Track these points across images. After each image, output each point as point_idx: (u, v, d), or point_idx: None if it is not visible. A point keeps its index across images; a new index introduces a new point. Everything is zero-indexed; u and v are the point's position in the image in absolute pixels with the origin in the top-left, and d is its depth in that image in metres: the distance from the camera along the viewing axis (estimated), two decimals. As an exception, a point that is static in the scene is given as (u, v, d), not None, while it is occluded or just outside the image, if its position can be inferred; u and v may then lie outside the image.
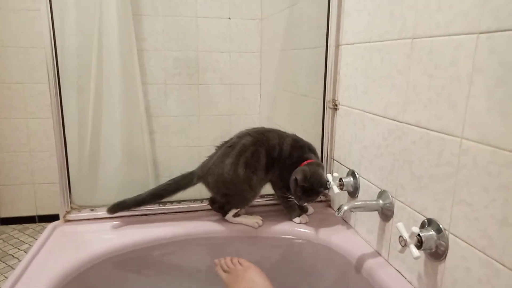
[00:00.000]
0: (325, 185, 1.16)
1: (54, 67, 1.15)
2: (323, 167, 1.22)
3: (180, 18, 2.18)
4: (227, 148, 1.20)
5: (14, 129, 2.52)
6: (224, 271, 1.07)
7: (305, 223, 1.24)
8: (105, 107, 1.77)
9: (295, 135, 1.26)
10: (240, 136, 1.22)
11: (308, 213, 1.30)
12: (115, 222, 1.24)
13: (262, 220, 1.24)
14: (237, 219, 1.24)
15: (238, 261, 1.07)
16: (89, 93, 1.73)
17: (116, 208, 1.22)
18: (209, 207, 1.32)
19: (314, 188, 1.14)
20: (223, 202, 1.25)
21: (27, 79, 2.46)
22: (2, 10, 2.35)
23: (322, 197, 1.41)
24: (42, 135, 2.56)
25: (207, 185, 1.23)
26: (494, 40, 0.69)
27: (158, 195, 1.23)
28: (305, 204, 1.29)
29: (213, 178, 1.20)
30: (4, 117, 2.49)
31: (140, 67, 1.99)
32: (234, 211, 1.24)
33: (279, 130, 1.27)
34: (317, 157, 1.28)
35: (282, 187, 1.23)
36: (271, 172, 1.22)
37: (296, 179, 1.14)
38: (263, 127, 1.27)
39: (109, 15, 1.80)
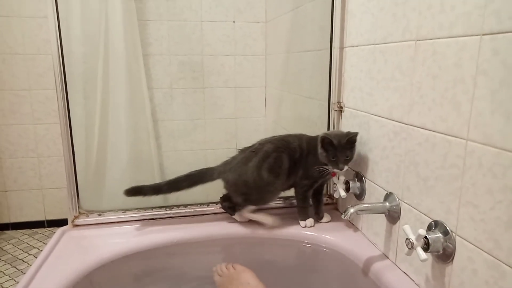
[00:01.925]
0: (349, 134, 1.13)
1: (61, 73, 1.16)
2: None
3: (185, 22, 2.19)
4: (250, 153, 1.22)
5: (22, 135, 2.54)
6: (219, 275, 1.08)
7: (310, 227, 1.24)
8: (111, 112, 1.79)
9: (312, 136, 1.26)
10: (262, 143, 1.24)
11: (323, 221, 1.28)
12: (123, 227, 1.25)
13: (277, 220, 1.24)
14: (253, 215, 1.24)
15: (232, 266, 1.08)
16: (96, 98, 1.74)
17: (133, 191, 1.22)
18: (216, 211, 1.33)
19: (341, 141, 1.12)
20: (240, 200, 1.23)
21: (34, 85, 2.48)
22: (9, 17, 2.37)
23: (328, 200, 1.41)
24: (49, 141, 2.58)
25: (227, 182, 1.24)
26: (497, 42, 0.69)
27: (176, 186, 1.23)
28: (323, 213, 1.29)
29: (234, 177, 1.21)
30: (12, 123, 2.51)
31: (145, 72, 2.00)
32: (251, 207, 1.23)
33: (297, 134, 1.28)
34: None
35: (304, 185, 1.24)
36: (293, 175, 1.23)
37: (319, 141, 1.14)
38: (281, 134, 1.27)
39: (114, 21, 1.82)
